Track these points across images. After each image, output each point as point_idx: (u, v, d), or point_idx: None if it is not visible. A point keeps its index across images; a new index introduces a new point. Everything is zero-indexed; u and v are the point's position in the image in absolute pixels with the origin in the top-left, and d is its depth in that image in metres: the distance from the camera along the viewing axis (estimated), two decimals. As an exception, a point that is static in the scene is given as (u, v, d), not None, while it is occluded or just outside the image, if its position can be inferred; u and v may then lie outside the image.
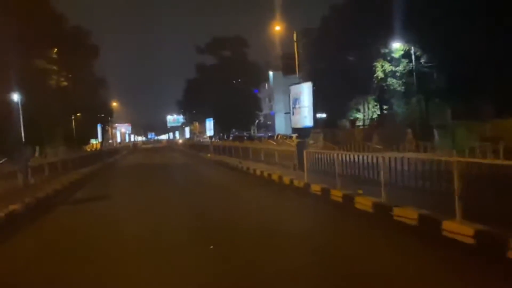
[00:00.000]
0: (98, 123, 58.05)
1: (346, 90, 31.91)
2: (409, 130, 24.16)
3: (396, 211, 7.03)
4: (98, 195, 12.64)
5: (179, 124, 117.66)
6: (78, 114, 47.07)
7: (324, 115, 37.70)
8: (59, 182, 14.93)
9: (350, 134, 32.77)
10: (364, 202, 8.04)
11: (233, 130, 60.64)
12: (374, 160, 9.01)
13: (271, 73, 65.54)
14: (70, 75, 40.93)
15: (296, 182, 11.55)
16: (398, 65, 26.82)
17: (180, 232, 7.22)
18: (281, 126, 61.68)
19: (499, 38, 18.40)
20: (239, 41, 61.56)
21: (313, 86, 17.85)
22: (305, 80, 35.59)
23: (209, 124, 56.47)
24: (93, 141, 61.49)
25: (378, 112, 34.51)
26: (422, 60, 25.07)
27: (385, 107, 32.89)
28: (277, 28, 38.79)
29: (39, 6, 30.02)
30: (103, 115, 61.57)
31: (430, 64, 24.58)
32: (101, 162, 29.13)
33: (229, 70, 58.75)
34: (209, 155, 30.13)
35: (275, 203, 9.90)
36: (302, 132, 19.69)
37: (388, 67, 27.23)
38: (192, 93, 71.14)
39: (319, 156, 10.98)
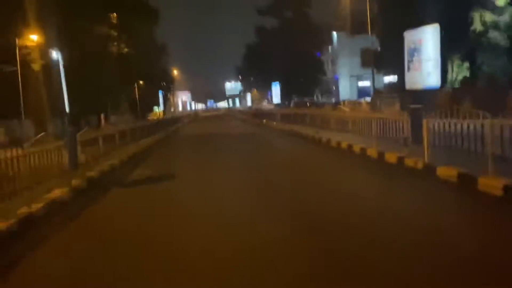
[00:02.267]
0: (159, 91, 57.52)
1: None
2: (517, 93, 20.07)
3: None
4: (160, 173, 10.74)
5: (237, 92, 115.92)
6: (141, 81, 46.43)
7: (395, 78, 33.51)
8: (117, 156, 13.34)
9: (433, 98, 28.65)
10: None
11: (294, 96, 57.62)
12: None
13: (334, 34, 60.80)
14: (131, 41, 39.82)
15: (409, 162, 8.67)
16: (501, 14, 22.40)
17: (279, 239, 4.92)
18: (345, 91, 57.54)
19: None
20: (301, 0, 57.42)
21: (441, 31, 12.77)
22: (380, 40, 31.54)
23: (275, 90, 53.62)
24: (156, 109, 61.57)
25: (465, 73, 29.92)
26: (537, 6, 20.55)
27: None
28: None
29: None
30: (164, 83, 60.98)
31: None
32: (164, 131, 27.88)
33: (291, 32, 55.10)
34: (275, 123, 27.80)
35: (397, 194, 7.01)
36: (422, 96, 15.32)
37: (489, 17, 22.85)
38: (251, 59, 68.37)
39: (448, 126, 8.01)
